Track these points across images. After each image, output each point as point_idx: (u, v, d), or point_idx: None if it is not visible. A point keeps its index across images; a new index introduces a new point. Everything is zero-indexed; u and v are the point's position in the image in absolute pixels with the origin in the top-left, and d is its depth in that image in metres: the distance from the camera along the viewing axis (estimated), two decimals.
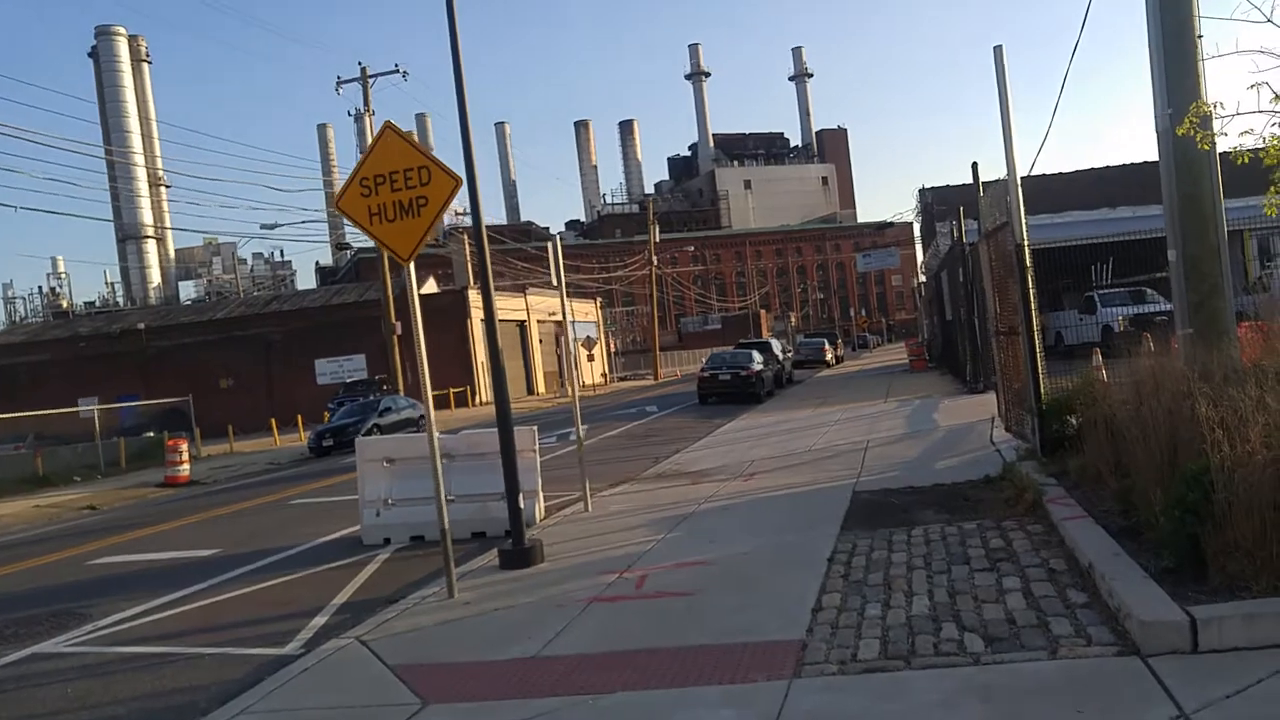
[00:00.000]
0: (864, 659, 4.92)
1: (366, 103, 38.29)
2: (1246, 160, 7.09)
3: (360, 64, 38.05)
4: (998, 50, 9.84)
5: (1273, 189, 7.17)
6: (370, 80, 38.55)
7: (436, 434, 11.49)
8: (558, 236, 11.04)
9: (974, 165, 13.05)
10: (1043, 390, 9.69)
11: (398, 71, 38.67)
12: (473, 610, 6.91)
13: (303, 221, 75.96)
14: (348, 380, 45.55)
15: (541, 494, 11.02)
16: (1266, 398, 4.90)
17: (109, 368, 47.54)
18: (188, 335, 49.96)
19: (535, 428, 11.02)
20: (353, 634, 6.53)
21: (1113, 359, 13.47)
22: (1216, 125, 7.29)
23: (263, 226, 39.45)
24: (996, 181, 11.39)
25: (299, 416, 36.76)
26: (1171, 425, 6.25)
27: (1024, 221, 9.48)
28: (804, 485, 11.05)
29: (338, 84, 38.42)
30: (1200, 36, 8.78)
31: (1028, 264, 9.39)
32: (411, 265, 7.78)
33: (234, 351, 48.11)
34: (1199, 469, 5.28)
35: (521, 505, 8.72)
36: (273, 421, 36.74)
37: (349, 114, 39.36)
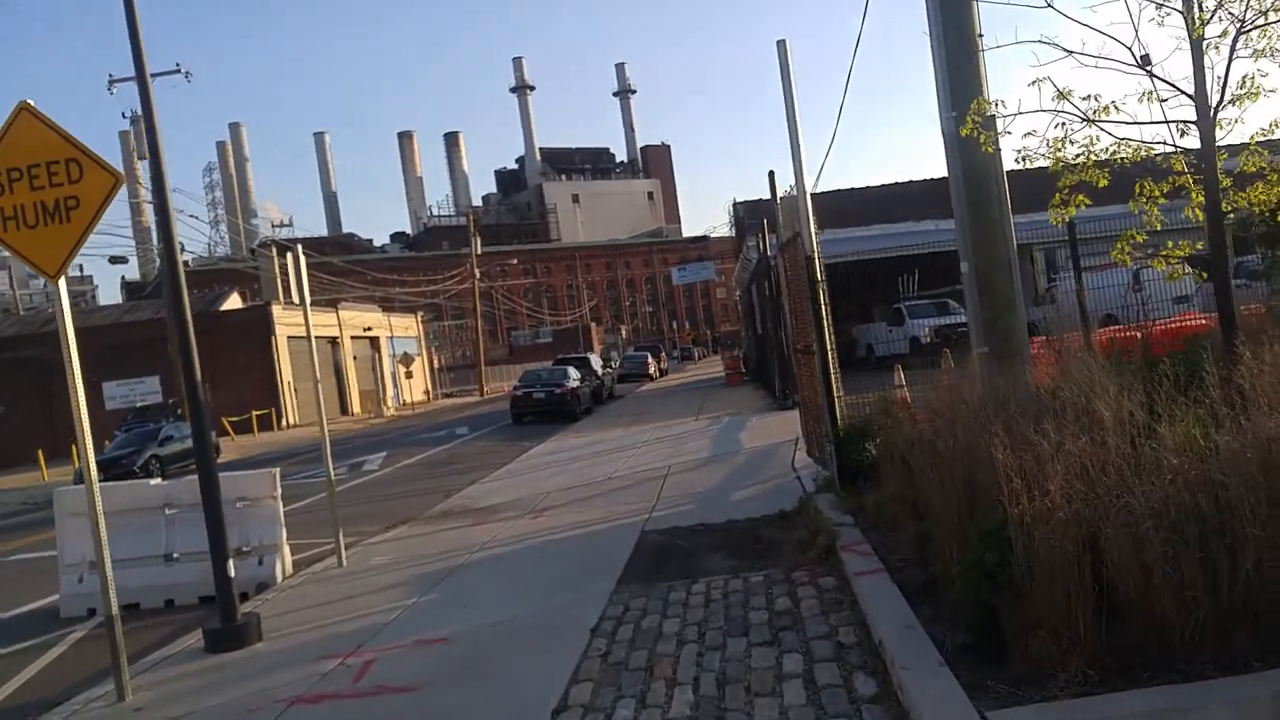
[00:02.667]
0: None
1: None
2: (1029, 163, 6.49)
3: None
4: (781, 45, 9.11)
5: (1057, 196, 6.61)
6: (150, 80, 35.21)
7: (158, 482, 9.67)
8: (299, 248, 9.43)
9: (770, 175, 12.30)
10: (839, 415, 8.94)
11: (179, 72, 35.43)
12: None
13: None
14: (138, 404, 41.62)
15: (286, 548, 9.41)
16: (1066, 442, 4.08)
17: None
18: None
19: (277, 470, 9.44)
20: None
21: (919, 371, 13.13)
22: (1000, 125, 6.68)
23: None
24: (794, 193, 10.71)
25: (72, 446, 32.82)
26: (969, 464, 5.45)
27: (814, 232, 8.71)
28: (592, 524, 9.93)
29: (110, 83, 34.87)
30: (981, 35, 8.28)
31: (819, 277, 8.62)
32: (63, 283, 6.13)
33: (4, 375, 42.89)
34: (996, 524, 4.43)
35: (233, 571, 7.15)
36: (39, 453, 32.70)
37: (124, 115, 35.70)
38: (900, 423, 8.25)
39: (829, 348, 8.83)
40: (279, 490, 9.31)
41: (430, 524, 11.59)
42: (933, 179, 38.38)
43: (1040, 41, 5.98)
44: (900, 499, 6.94)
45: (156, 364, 42.31)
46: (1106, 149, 6.14)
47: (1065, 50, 5.91)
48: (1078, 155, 6.21)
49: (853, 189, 34.98)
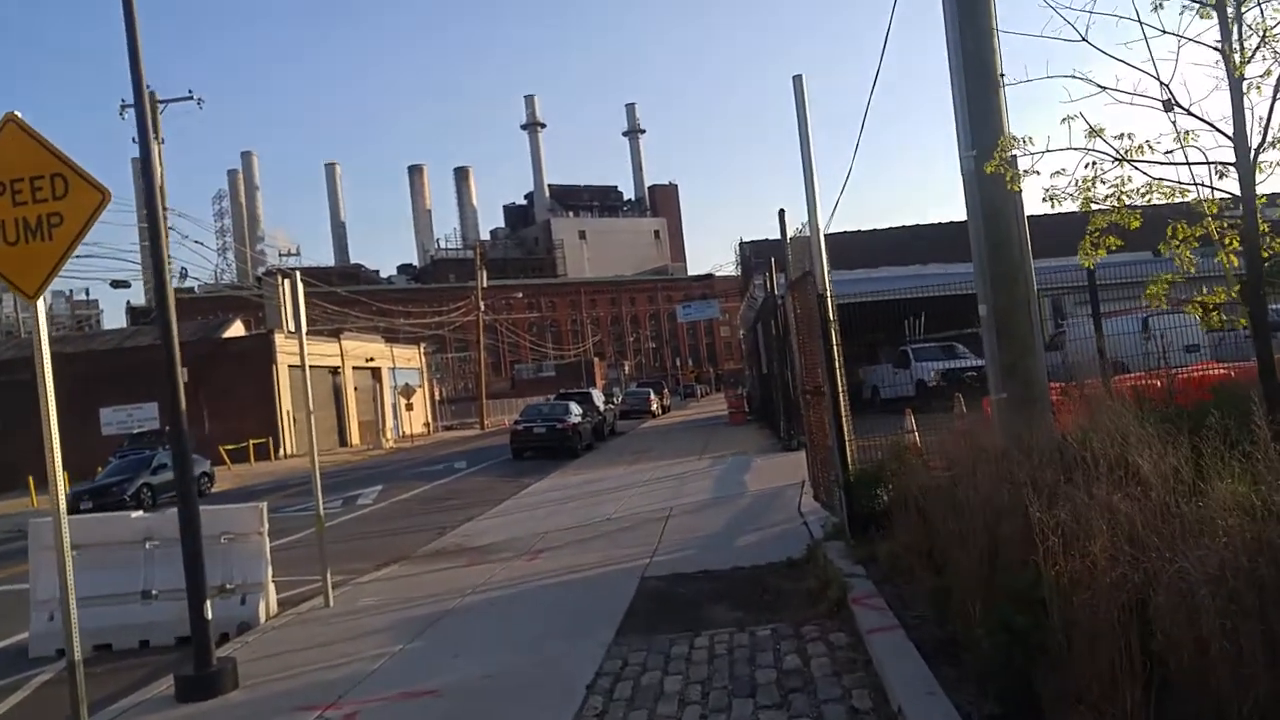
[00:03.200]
0: None
1: (156, 130, 35.31)
2: (1058, 203, 6.20)
3: (149, 89, 35.05)
4: (797, 80, 8.91)
5: (1087, 239, 6.33)
6: (161, 106, 35.68)
7: (140, 514, 9.36)
8: (297, 274, 9.18)
9: (780, 213, 12.11)
10: (850, 459, 8.61)
11: (192, 98, 35.95)
12: None
13: (88, 256, 68.91)
14: (135, 430, 41.44)
15: (272, 586, 9.03)
16: (1116, 498, 3.74)
17: None
18: None
19: (263, 504, 9.07)
20: None
21: (926, 415, 12.82)
22: (1027, 162, 6.39)
23: None
24: (802, 232, 10.46)
25: (65, 473, 32.58)
26: (991, 517, 5.12)
27: (827, 270, 8.44)
28: (590, 567, 9.56)
29: (121, 109, 35.26)
30: (1003, 75, 8.05)
31: (831, 316, 8.32)
32: (41, 303, 5.84)
33: (2, 399, 42.75)
34: (1027, 584, 4.09)
35: (210, 613, 6.78)
36: (30, 480, 32.38)
37: (133, 140, 35.82)
38: (913, 469, 7.92)
39: (840, 389, 8.52)
40: (266, 525, 8.95)
41: (423, 563, 11.21)
42: (939, 223, 38.56)
43: (1072, 76, 5.71)
44: (915, 550, 6.59)
45: (156, 390, 42.03)
46: (1139, 189, 5.87)
47: (1099, 86, 5.64)
48: (1108, 195, 5.94)
49: (859, 231, 34.92)
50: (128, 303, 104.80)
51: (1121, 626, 3.49)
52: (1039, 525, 3.90)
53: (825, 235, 8.91)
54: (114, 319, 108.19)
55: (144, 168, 6.66)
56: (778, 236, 14.63)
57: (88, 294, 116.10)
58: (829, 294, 8.51)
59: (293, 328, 9.32)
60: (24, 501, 30.96)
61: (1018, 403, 7.42)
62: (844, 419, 8.57)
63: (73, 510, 24.73)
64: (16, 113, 5.93)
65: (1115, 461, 4.47)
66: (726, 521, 11.32)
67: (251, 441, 40.71)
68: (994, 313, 7.83)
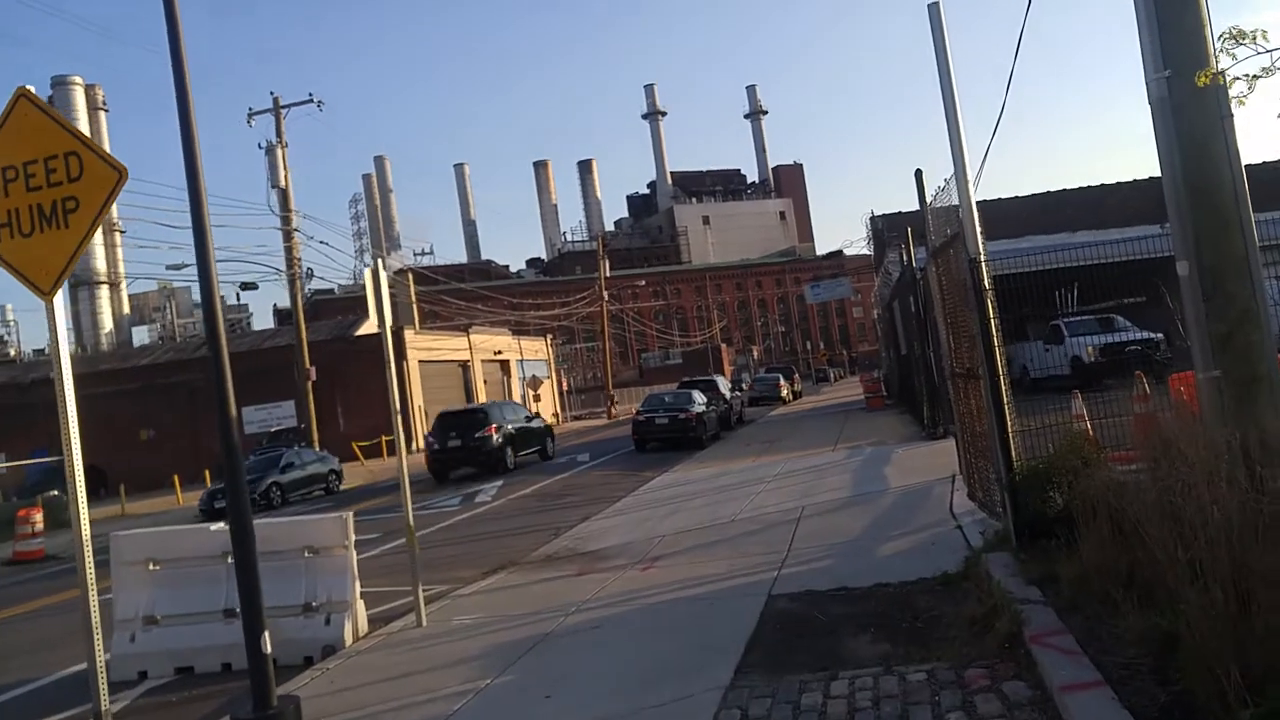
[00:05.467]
0: None
1: (279, 134, 36.38)
2: None
3: (273, 94, 36.47)
4: (934, 9, 7.50)
5: None
6: (284, 111, 36.49)
7: (219, 526, 8.80)
8: (378, 263, 8.34)
9: (918, 174, 10.68)
10: (1014, 454, 7.18)
11: (312, 101, 36.60)
12: None
13: (222, 260, 72.07)
14: (273, 429, 42.85)
15: (359, 604, 8.26)
16: None
17: (20, 420, 43.53)
18: (106, 384, 46.13)
19: (350, 514, 8.30)
20: None
21: (1091, 396, 11.18)
22: (1259, 63, 4.84)
23: (169, 267, 36.87)
24: (944, 193, 9.01)
25: (206, 471, 34.09)
26: (1237, 541, 3.75)
27: (979, 232, 7.02)
28: (710, 580, 8.43)
29: (249, 116, 36.29)
30: None
31: (986, 285, 6.91)
32: (58, 300, 5.10)
33: (157, 400, 44.94)
34: None
35: (268, 647, 5.99)
36: (175, 478, 33.67)
37: (259, 146, 36.84)
38: (1096, 466, 6.49)
39: (1000, 370, 7.11)
40: (352, 538, 8.17)
41: (530, 571, 10.32)
42: (1087, 187, 35.63)
43: None
44: (1112, 573, 5.20)
45: (293, 389, 43.19)
46: None
47: None
48: None
49: (999, 199, 32.48)
50: (274, 305, 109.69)
51: None
52: None
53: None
54: (263, 320, 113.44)
55: (187, 163, 5.84)
56: (913, 208, 13.16)
57: (238, 298, 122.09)
58: (982, 258, 7.09)
59: (376, 322, 8.54)
60: (170, 500, 32.12)
61: (1238, 383, 5.87)
62: (1005, 405, 7.15)
63: (208, 509, 25.09)
64: (29, 87, 5.23)
65: None
66: (866, 524, 9.96)
67: (384, 438, 41.29)
68: (1198, 272, 6.27)
